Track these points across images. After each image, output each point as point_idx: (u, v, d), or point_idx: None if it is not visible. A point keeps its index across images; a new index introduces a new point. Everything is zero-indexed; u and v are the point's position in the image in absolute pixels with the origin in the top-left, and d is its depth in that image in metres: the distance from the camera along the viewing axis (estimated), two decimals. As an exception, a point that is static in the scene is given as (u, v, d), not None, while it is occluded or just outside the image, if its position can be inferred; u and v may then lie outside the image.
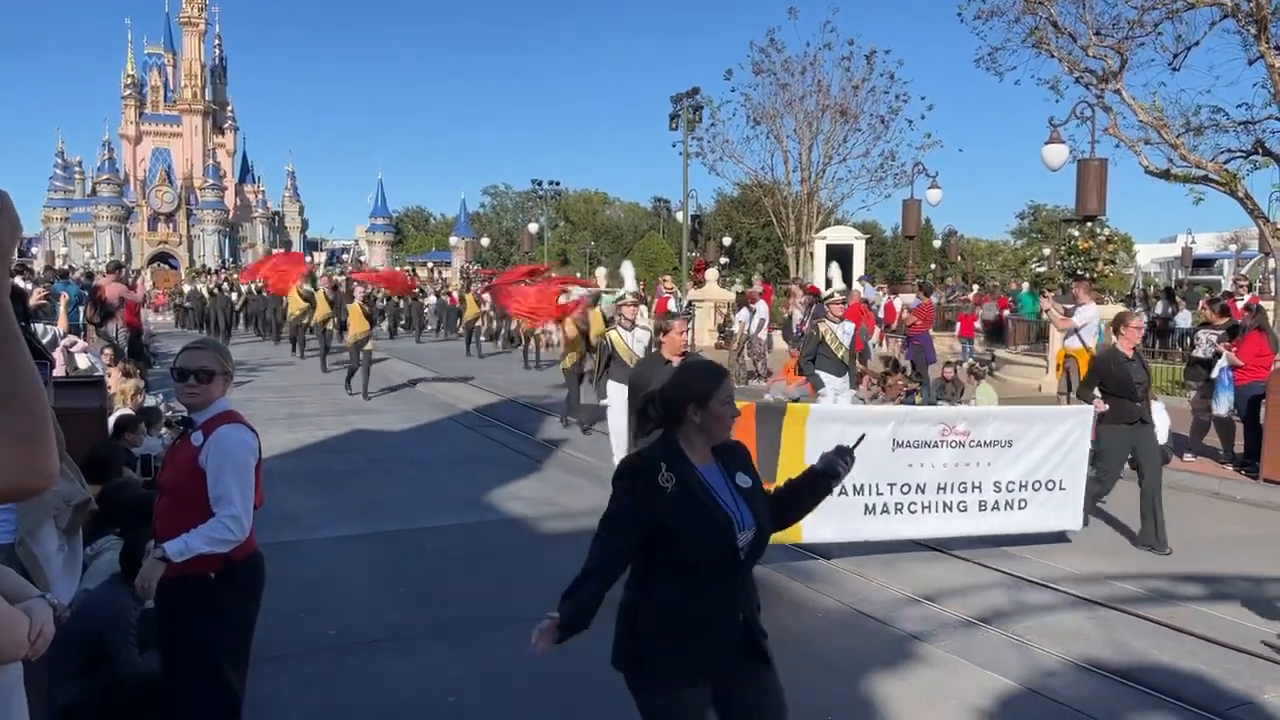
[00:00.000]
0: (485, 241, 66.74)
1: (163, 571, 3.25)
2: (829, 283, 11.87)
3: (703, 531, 2.72)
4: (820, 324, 10.31)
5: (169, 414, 9.34)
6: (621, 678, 2.82)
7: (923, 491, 6.94)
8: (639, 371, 7.58)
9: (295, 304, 21.44)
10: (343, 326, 18.61)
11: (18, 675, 1.81)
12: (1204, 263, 45.50)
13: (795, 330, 18.88)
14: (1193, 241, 45.55)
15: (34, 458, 1.51)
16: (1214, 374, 10.80)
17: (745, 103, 34.15)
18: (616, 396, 9.10)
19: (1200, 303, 22.30)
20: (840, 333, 10.12)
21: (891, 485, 6.86)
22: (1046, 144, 17.97)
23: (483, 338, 25.78)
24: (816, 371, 10.02)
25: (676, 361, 6.81)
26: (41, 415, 1.54)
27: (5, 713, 1.75)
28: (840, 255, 29.22)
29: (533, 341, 21.84)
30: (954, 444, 7.00)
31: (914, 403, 13.42)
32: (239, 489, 3.34)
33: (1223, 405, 10.45)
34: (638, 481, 2.78)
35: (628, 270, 11.66)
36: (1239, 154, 20.36)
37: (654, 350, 8.39)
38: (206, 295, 30.26)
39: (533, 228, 50.38)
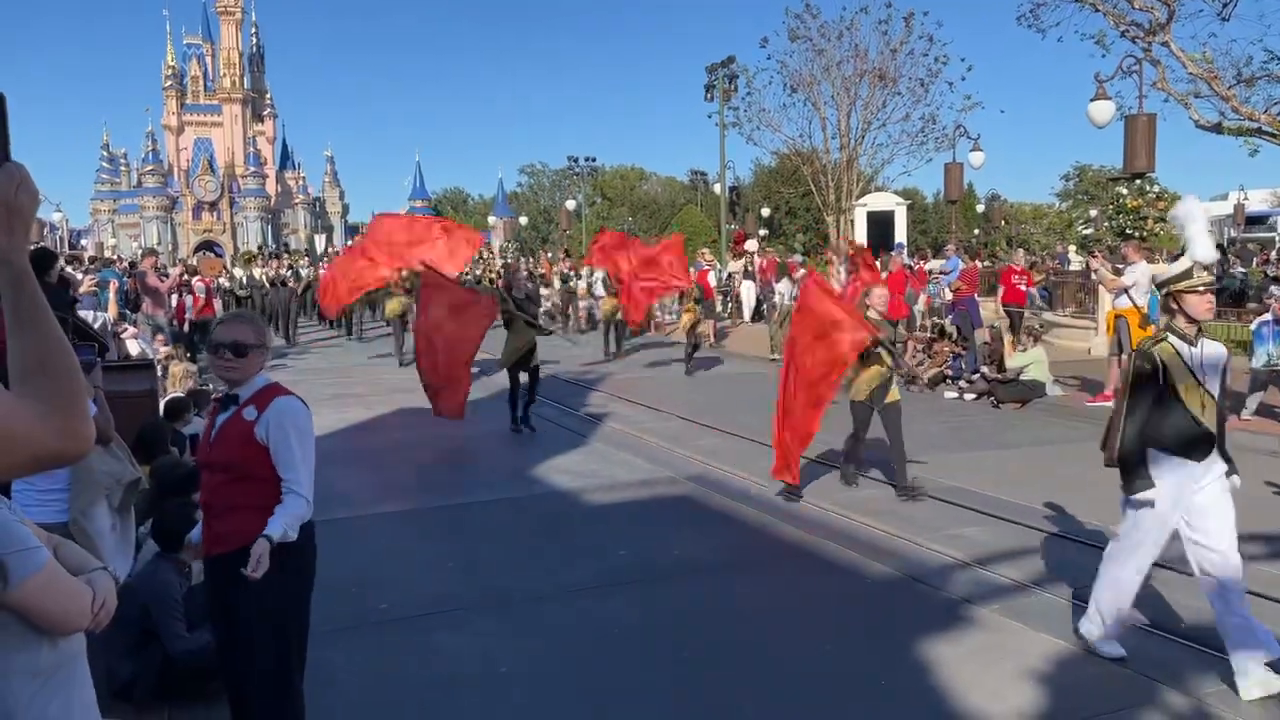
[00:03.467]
0: (524, 220, 66.88)
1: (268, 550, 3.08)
2: None
3: None
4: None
5: (216, 394, 9.45)
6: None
7: None
8: None
9: (395, 302, 17.35)
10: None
11: (80, 646, 1.81)
12: (1257, 220, 44.26)
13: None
14: (1245, 198, 44.35)
15: (68, 421, 1.51)
16: (1252, 326, 10.74)
17: (781, 70, 33.86)
18: (1166, 486, 4.53)
19: (1256, 260, 21.77)
20: None
21: None
22: (1092, 101, 17.53)
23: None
24: None
25: None
26: (74, 380, 1.54)
27: (68, 683, 1.76)
28: (881, 222, 28.92)
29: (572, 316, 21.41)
30: None
31: (960, 368, 13.26)
32: (304, 459, 3.28)
33: (1260, 358, 10.43)
34: None
35: (1196, 217, 4.92)
36: (1293, 104, 19.75)
37: None
38: (266, 284, 24.92)
39: (570, 205, 50.43)
